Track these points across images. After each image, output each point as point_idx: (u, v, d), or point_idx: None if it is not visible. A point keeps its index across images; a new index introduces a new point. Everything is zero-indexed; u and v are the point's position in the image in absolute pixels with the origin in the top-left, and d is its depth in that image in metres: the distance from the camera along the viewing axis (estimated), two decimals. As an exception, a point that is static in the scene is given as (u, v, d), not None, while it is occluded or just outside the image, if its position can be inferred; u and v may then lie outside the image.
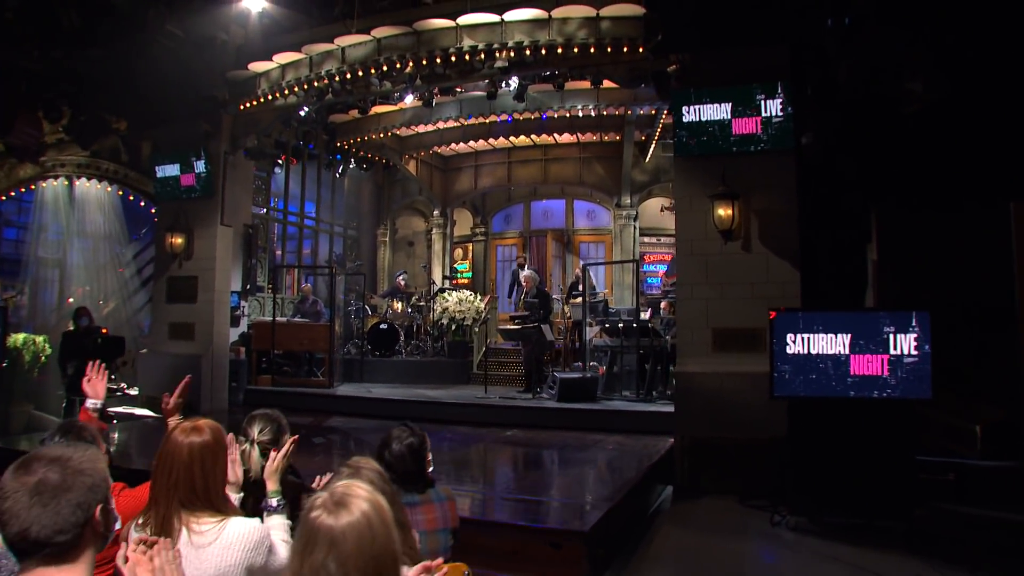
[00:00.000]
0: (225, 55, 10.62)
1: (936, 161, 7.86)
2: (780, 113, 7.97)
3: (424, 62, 9.21)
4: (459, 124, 12.70)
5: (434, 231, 14.87)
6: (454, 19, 8.93)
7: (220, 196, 10.84)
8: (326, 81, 9.82)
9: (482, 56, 9.01)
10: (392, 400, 10.72)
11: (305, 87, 10.03)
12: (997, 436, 7.77)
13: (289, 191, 13.82)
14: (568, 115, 11.92)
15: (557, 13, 8.71)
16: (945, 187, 7.95)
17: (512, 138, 13.14)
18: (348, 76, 9.67)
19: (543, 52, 8.84)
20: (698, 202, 8.30)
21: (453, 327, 12.47)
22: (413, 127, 12.81)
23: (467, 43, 9.03)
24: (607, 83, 10.05)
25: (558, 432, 9.05)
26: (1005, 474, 7.43)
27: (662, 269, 14.04)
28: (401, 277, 13.56)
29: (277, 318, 12.20)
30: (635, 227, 13.36)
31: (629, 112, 11.37)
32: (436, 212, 14.80)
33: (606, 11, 8.59)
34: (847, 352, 6.62)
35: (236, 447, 2.90)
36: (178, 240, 10.71)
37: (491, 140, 13.24)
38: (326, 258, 14.67)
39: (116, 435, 9.31)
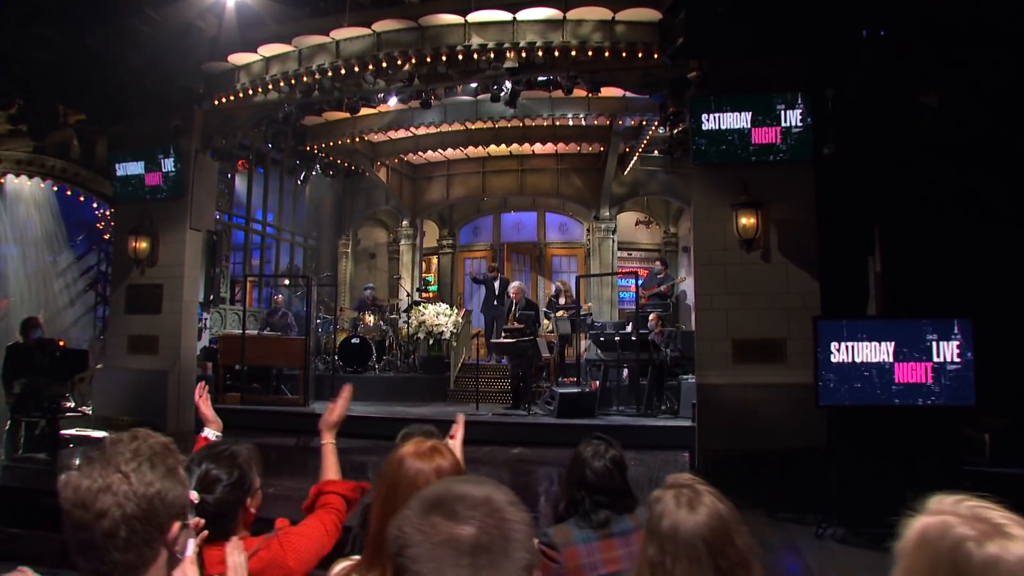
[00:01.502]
0: (200, 46, 9.83)
1: (944, 174, 8.05)
2: (800, 124, 8.01)
3: (429, 59, 8.76)
4: (437, 131, 12.24)
5: (402, 242, 14.25)
6: (464, 15, 8.55)
7: (189, 197, 9.96)
8: (317, 76, 9.22)
9: (491, 55, 8.66)
10: (377, 419, 10.04)
11: (292, 82, 9.38)
12: (1005, 444, 7.96)
13: (246, 198, 12.92)
14: (557, 123, 11.71)
15: (572, 15, 8.48)
16: (951, 200, 8.14)
17: (491, 147, 12.78)
18: (343, 72, 9.11)
19: (556, 54, 8.58)
20: (717, 211, 8.20)
21: (431, 341, 11.91)
22: (388, 132, 12.27)
23: (476, 41, 8.66)
24: (605, 91, 9.88)
25: (566, 449, 8.63)
26: (1017, 480, 7.60)
27: (633, 284, 13.95)
28: (369, 290, 12.91)
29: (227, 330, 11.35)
30: (613, 240, 13.22)
31: (621, 123, 11.25)
32: (405, 222, 14.19)
33: (622, 15, 8.43)
34: (891, 360, 6.59)
35: None
36: (142, 244, 9.74)
37: (467, 149, 12.83)
38: (284, 269, 13.81)
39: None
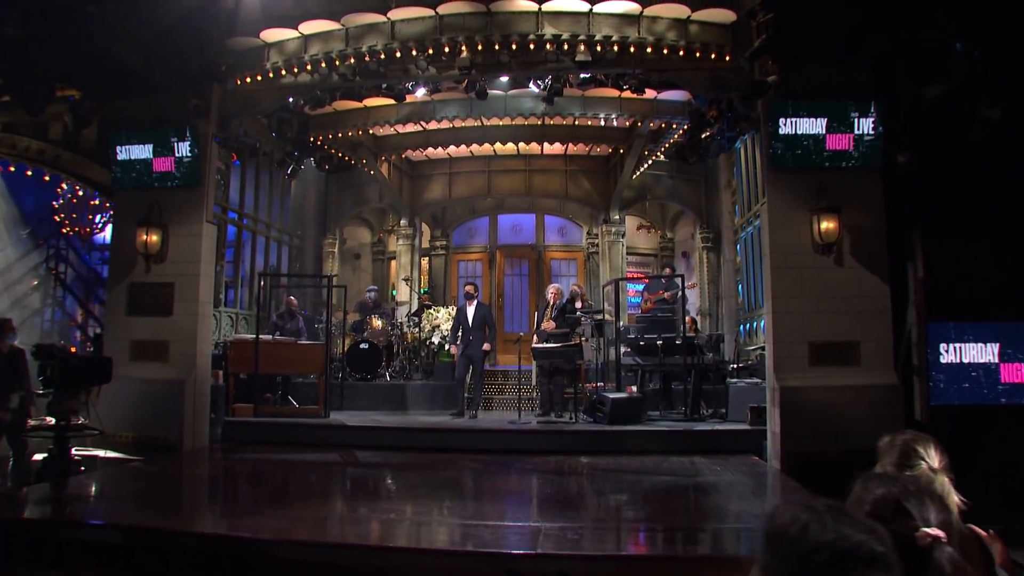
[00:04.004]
0: (221, 18, 8.84)
1: (997, 186, 8.42)
2: (872, 131, 8.16)
3: (497, 47, 8.30)
4: (451, 126, 11.70)
5: (400, 242, 13.49)
6: (540, 3, 8.16)
7: (207, 186, 8.94)
8: (367, 58, 8.54)
9: (565, 47, 8.31)
10: (415, 430, 9.39)
11: (337, 63, 8.62)
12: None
13: (231, 192, 11.80)
14: (578, 123, 11.45)
15: (650, 11, 8.27)
16: (1000, 212, 8.52)
17: (505, 145, 12.34)
18: (398, 54, 8.47)
19: (632, 50, 8.34)
20: (792, 215, 8.23)
21: (445, 346, 11.31)
22: (398, 126, 11.57)
23: (549, 31, 8.29)
24: (633, 92, 9.78)
25: (634, 457, 8.39)
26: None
27: (633, 288, 13.91)
28: (370, 293, 12.14)
29: (238, 335, 10.33)
30: (622, 244, 13.09)
31: (652, 125, 11.14)
32: (404, 221, 13.45)
33: (698, 15, 8.31)
34: (997, 360, 6.83)
35: None
36: (153, 238, 8.63)
37: (481, 146, 12.33)
38: (267, 268, 12.73)
39: (94, 486, 7.14)
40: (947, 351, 6.85)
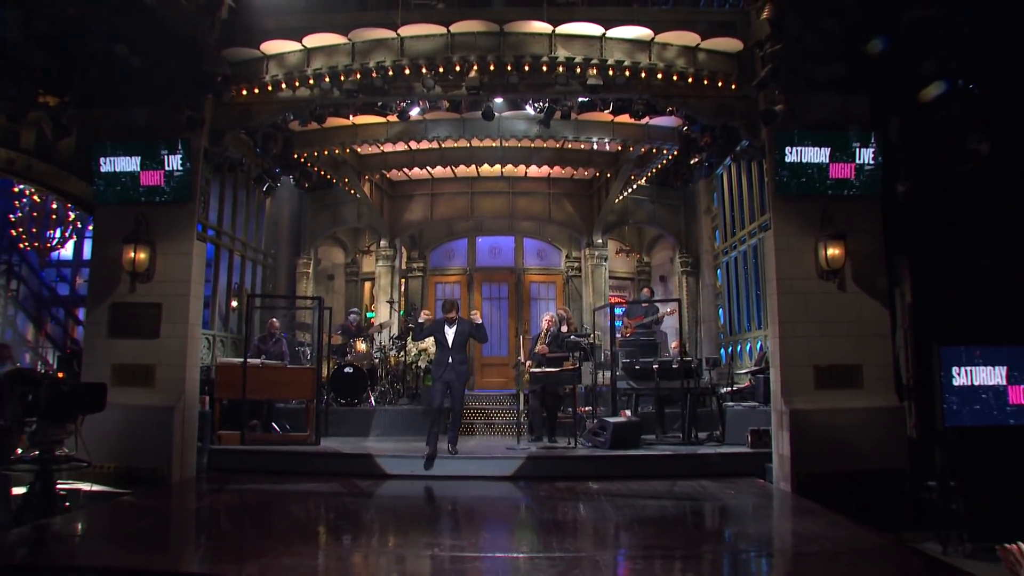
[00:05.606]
0: (216, 28, 8.47)
1: (983, 215, 8.82)
2: (872, 161, 8.44)
3: (509, 67, 8.23)
4: (439, 147, 11.52)
5: (380, 263, 13.15)
6: (555, 25, 8.14)
7: (198, 202, 8.50)
8: (375, 74, 8.32)
9: (577, 70, 8.31)
10: (415, 458, 9.01)
11: (342, 78, 8.37)
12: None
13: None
14: (581, 146, 11.45)
15: (661, 38, 8.38)
16: (986, 239, 8.92)
17: (484, 167, 12.23)
18: (407, 71, 8.30)
19: (643, 75, 8.41)
20: (796, 241, 8.40)
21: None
22: (386, 145, 11.33)
23: (562, 54, 8.27)
24: (625, 117, 9.89)
25: (643, 481, 8.33)
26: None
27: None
28: (353, 315, 11.76)
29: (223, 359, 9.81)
30: (605, 267, 13.11)
31: (644, 150, 11.23)
32: (383, 242, 13.12)
33: (707, 43, 8.46)
34: (1005, 383, 7.07)
35: None
36: (141, 255, 8.12)
37: (458, 168, 12.19)
38: (235, 287, 12.18)
39: (89, 524, 6.55)
40: (959, 374, 7.05)
